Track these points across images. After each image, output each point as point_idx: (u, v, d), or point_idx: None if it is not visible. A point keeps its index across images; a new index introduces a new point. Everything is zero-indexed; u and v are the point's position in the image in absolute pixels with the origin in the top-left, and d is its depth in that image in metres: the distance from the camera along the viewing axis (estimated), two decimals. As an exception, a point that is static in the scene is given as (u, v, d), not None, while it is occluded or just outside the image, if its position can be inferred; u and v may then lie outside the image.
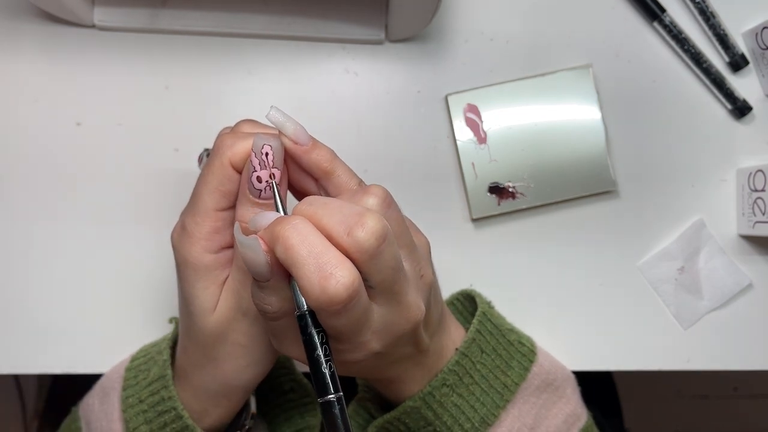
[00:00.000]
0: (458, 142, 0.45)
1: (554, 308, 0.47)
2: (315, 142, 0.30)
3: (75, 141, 0.44)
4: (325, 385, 0.25)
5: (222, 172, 0.29)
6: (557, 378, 0.39)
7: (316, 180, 0.31)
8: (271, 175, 0.29)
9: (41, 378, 1.10)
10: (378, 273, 0.26)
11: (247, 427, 0.38)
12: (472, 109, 0.45)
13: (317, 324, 0.26)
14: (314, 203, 0.26)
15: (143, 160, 0.45)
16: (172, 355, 0.37)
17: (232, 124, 0.35)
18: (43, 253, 0.44)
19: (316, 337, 0.26)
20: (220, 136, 0.31)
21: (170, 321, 0.39)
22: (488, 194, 0.45)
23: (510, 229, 0.47)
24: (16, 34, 0.44)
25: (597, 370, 0.47)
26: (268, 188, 0.29)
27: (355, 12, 0.44)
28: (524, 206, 0.46)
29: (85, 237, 0.44)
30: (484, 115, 0.45)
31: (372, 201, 0.27)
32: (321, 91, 0.46)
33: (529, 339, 0.40)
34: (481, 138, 0.45)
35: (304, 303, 0.26)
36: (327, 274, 0.24)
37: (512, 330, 0.40)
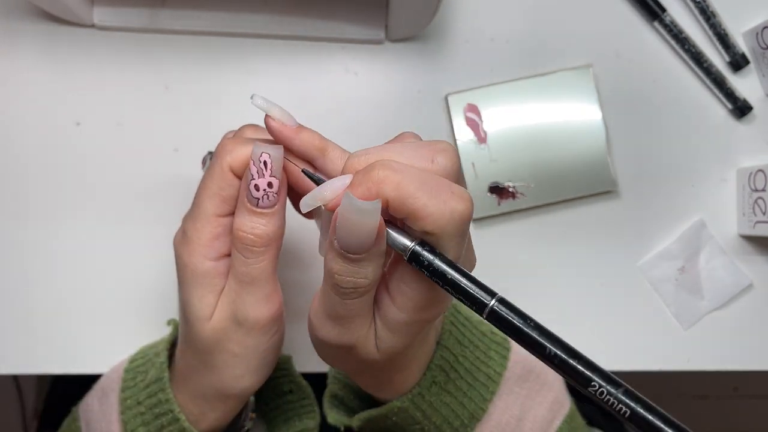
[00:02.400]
0: (458, 142, 0.45)
1: (554, 308, 0.47)
2: (301, 125, 0.29)
3: (74, 141, 0.44)
4: (484, 287, 0.22)
5: (222, 178, 0.29)
6: (537, 365, 0.39)
7: (310, 163, 0.30)
8: (269, 184, 0.28)
9: (41, 378, 1.10)
10: None
11: (246, 428, 0.38)
12: (472, 109, 0.45)
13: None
14: (383, 150, 0.25)
15: (143, 160, 0.45)
16: (171, 357, 0.37)
17: (232, 124, 0.35)
18: (43, 252, 0.44)
19: (443, 258, 0.23)
20: (222, 141, 0.31)
21: (168, 323, 0.39)
22: (488, 194, 0.45)
23: (510, 229, 0.47)
24: (16, 34, 0.44)
25: (597, 371, 0.47)
26: (266, 197, 0.29)
27: (355, 12, 0.44)
28: (524, 206, 0.46)
29: (84, 237, 0.44)
30: (484, 115, 0.45)
31: (442, 162, 0.26)
32: (321, 91, 0.46)
33: (498, 331, 0.39)
34: (481, 138, 0.45)
35: (407, 242, 0.24)
36: (449, 192, 0.23)
37: (482, 322, 0.39)
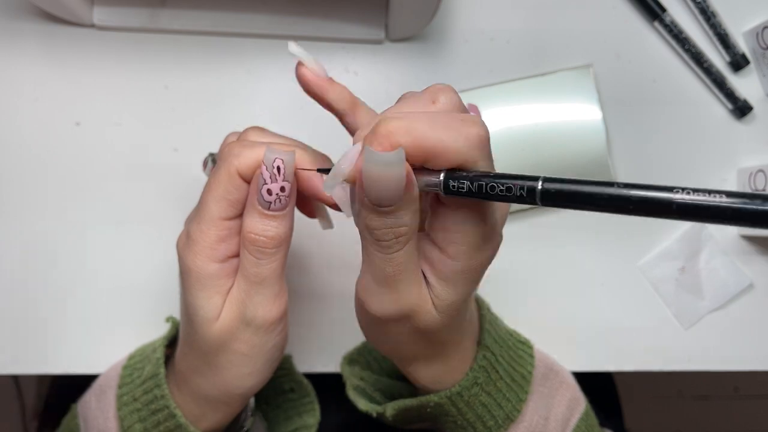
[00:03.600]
0: (458, 142, 0.45)
1: (555, 308, 0.47)
2: (332, 79, 0.30)
3: (74, 141, 0.44)
4: (526, 176, 0.22)
5: (229, 182, 0.29)
6: (554, 362, 0.39)
7: (339, 116, 0.31)
8: (282, 188, 0.29)
9: (40, 378, 1.10)
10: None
11: (246, 428, 0.38)
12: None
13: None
14: (402, 116, 0.24)
15: (142, 160, 0.45)
16: (169, 354, 0.37)
17: (232, 124, 0.35)
18: (42, 252, 0.44)
19: (474, 171, 0.23)
20: (227, 144, 0.31)
21: (167, 320, 0.39)
22: (488, 194, 0.45)
23: (510, 229, 0.47)
24: (16, 34, 0.44)
25: (597, 371, 0.47)
26: (278, 200, 0.29)
27: (355, 12, 0.44)
28: (525, 206, 0.46)
29: (84, 236, 0.44)
30: (484, 114, 0.45)
31: (444, 100, 0.26)
32: (321, 91, 0.46)
33: (519, 332, 0.40)
34: (481, 138, 0.45)
35: (436, 177, 0.24)
36: (459, 120, 0.24)
37: (502, 320, 0.39)
